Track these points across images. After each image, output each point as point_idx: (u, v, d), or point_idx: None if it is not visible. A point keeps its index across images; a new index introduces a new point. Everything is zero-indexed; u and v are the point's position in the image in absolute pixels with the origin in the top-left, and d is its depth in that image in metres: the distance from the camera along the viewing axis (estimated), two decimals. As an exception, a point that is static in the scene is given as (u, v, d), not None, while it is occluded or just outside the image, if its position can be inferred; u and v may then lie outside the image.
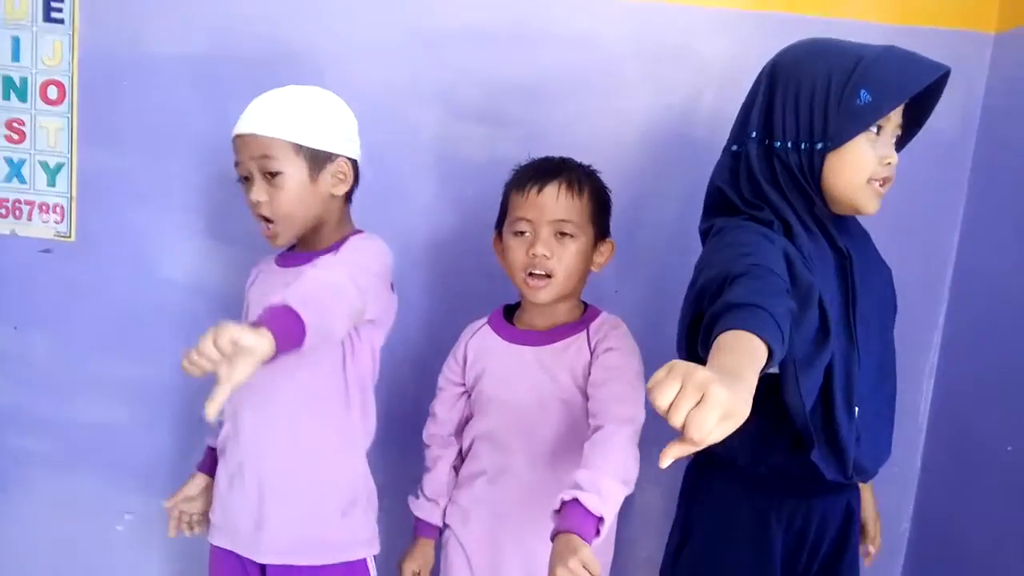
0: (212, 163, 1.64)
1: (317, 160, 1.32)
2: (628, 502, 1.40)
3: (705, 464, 1.29)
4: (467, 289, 1.55)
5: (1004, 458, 1.39)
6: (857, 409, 1.13)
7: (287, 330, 1.04)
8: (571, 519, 1.08)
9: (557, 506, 1.12)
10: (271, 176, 1.29)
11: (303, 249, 1.38)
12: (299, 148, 1.30)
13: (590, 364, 1.32)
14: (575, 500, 1.10)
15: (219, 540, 1.39)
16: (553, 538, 1.09)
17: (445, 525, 1.42)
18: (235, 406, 1.34)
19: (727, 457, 1.22)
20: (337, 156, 1.33)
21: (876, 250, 1.26)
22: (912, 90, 1.12)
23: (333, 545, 1.35)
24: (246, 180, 1.32)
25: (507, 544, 1.35)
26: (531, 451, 1.34)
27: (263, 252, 1.60)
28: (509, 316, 1.43)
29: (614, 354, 1.31)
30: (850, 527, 1.25)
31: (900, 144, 1.19)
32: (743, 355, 0.85)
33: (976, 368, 1.49)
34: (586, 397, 1.31)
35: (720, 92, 1.59)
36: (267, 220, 1.31)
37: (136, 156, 1.65)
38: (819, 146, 1.12)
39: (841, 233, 1.18)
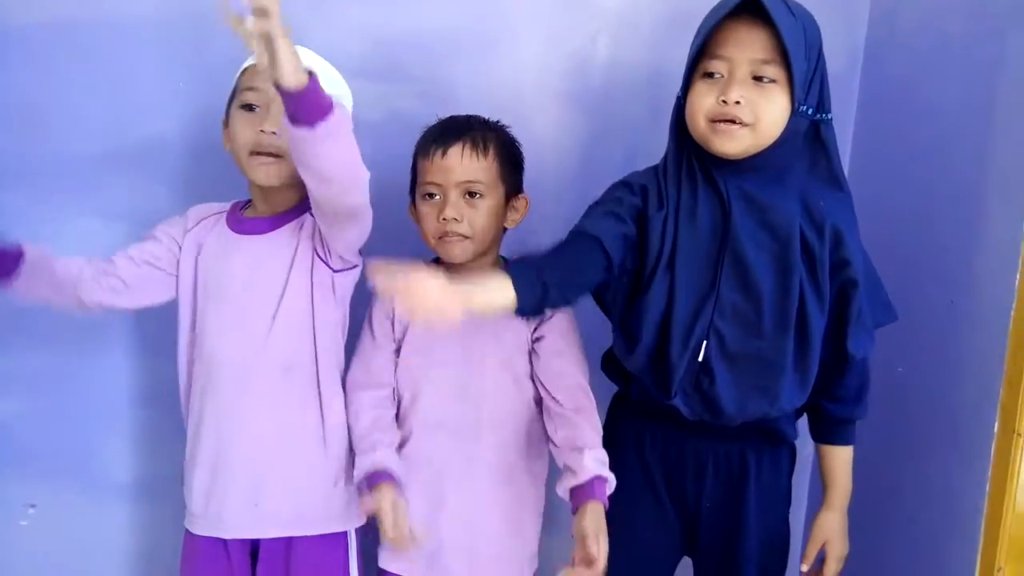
0: (94, 137, 1.55)
1: None
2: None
3: (617, 395, 1.42)
4: (369, 251, 1.52)
5: (896, 378, 1.47)
6: (706, 343, 1.19)
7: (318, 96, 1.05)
8: (598, 491, 1.24)
9: (581, 481, 1.24)
10: None
11: (262, 213, 1.34)
12: None
13: (534, 327, 1.34)
14: (600, 476, 1.24)
15: (201, 529, 1.34)
16: (579, 504, 1.23)
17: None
18: (209, 391, 1.31)
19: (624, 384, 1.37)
20: None
21: (812, 203, 1.21)
22: (707, 26, 1.16)
23: (329, 515, 1.34)
24: (251, 109, 1.27)
25: (443, 498, 1.35)
26: (467, 416, 1.34)
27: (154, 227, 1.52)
28: None
29: (560, 316, 1.34)
30: (744, 485, 1.30)
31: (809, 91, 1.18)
32: (495, 287, 1.11)
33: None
34: (526, 356, 1.34)
35: (615, 38, 1.59)
36: (270, 155, 1.26)
37: (4, 133, 1.53)
38: (682, 97, 1.21)
39: (732, 177, 1.20)
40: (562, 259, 1.18)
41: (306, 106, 1.04)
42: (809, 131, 1.21)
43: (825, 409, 1.32)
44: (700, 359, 1.20)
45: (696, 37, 1.20)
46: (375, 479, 1.28)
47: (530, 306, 1.12)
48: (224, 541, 1.34)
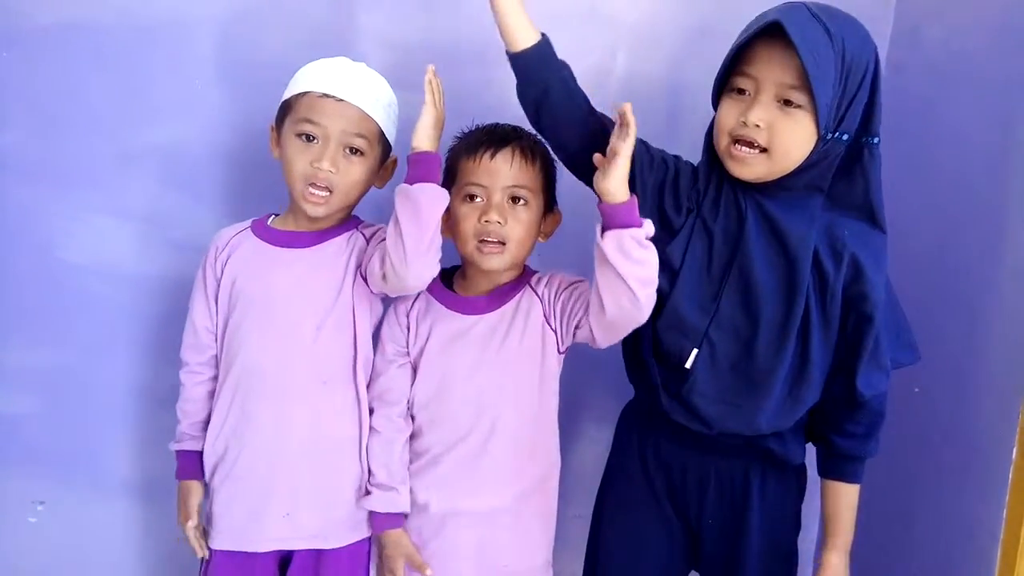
0: (110, 137, 1.56)
1: (385, 152, 1.34)
2: (564, 460, 1.42)
3: (625, 409, 1.42)
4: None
5: (912, 399, 1.45)
6: (697, 352, 1.20)
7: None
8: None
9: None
10: (351, 152, 1.28)
11: (303, 227, 1.34)
12: (382, 137, 1.31)
13: (546, 305, 1.32)
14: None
15: (228, 543, 1.33)
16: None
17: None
18: (242, 402, 1.31)
19: (637, 391, 1.36)
20: (391, 152, 1.36)
21: (837, 231, 1.19)
22: (738, 42, 1.15)
23: (356, 522, 1.35)
24: (309, 140, 1.28)
25: (455, 505, 1.34)
26: (481, 424, 1.32)
27: (171, 229, 1.54)
28: (446, 281, 1.39)
29: (567, 274, 1.35)
30: (747, 506, 1.28)
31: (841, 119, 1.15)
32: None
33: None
34: (540, 360, 1.32)
35: (632, 52, 1.59)
36: (324, 189, 1.28)
37: (22, 131, 1.55)
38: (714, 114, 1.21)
39: (755, 194, 1.19)
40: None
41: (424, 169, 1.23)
42: (850, 152, 1.19)
43: (833, 444, 1.29)
44: (688, 365, 1.20)
45: (729, 51, 1.18)
46: (395, 521, 1.34)
47: (528, 55, 1.20)
48: (252, 555, 1.33)
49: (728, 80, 1.18)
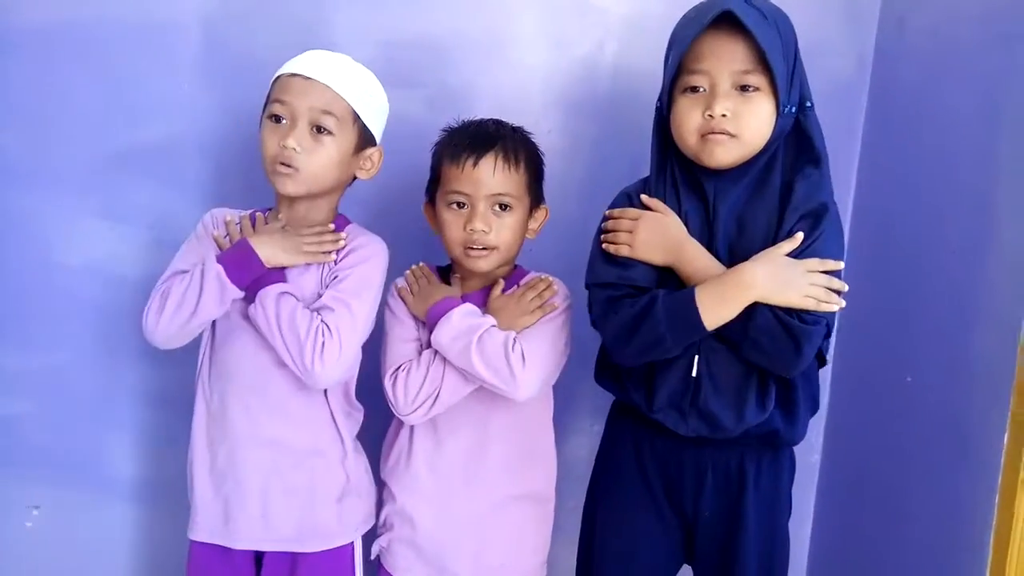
0: (101, 139, 1.56)
1: (364, 138, 1.30)
2: (556, 451, 1.43)
3: (615, 404, 1.40)
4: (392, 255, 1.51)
5: (904, 388, 1.46)
6: (698, 358, 1.20)
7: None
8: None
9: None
10: (319, 131, 1.25)
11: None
12: (356, 118, 1.28)
13: None
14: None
15: (203, 536, 1.34)
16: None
17: (384, 524, 1.39)
18: (222, 398, 1.31)
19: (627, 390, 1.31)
20: (376, 142, 1.32)
21: (796, 187, 1.20)
22: (682, 41, 1.17)
23: (333, 531, 1.35)
24: (278, 121, 1.26)
25: (450, 504, 1.34)
26: (478, 425, 1.33)
27: (165, 230, 1.53)
28: (443, 279, 1.39)
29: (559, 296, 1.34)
30: (742, 494, 1.28)
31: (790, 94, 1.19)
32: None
33: (875, 305, 1.55)
34: None
35: (622, 44, 1.59)
36: (291, 167, 1.25)
37: (12, 134, 1.55)
38: (663, 111, 1.24)
39: (717, 186, 1.21)
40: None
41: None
42: (792, 125, 1.22)
43: None
44: (694, 374, 1.20)
45: (672, 51, 1.20)
46: None
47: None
48: (229, 550, 1.34)
49: (676, 82, 1.20)
